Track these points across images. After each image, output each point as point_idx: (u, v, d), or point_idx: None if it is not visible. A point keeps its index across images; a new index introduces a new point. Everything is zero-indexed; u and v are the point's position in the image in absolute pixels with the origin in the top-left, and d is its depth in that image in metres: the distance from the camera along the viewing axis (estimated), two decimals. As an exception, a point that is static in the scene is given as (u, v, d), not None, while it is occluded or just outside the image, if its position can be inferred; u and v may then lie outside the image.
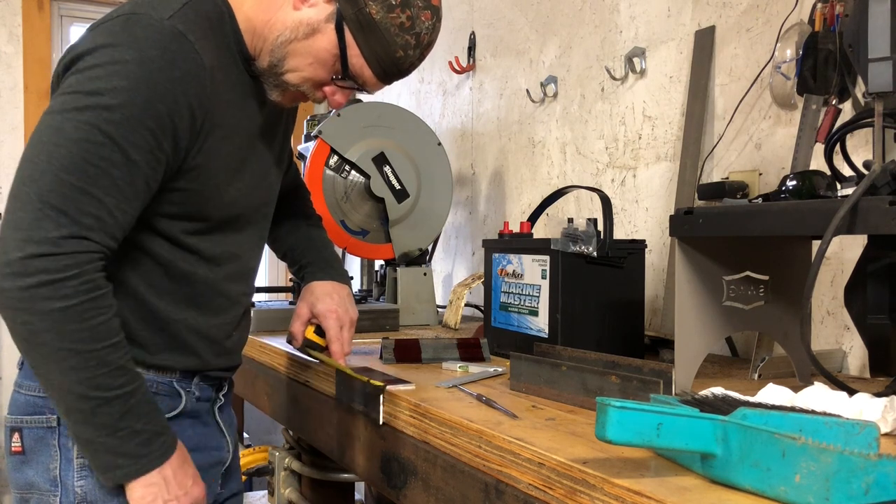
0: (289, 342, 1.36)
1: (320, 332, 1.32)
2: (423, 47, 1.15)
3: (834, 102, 1.26)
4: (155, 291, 1.10)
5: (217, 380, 1.23)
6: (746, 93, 1.61)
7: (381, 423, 1.12)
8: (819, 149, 1.27)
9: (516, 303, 1.44)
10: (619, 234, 1.93)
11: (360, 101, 2.21)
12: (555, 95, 2.24)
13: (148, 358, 1.12)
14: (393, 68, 1.15)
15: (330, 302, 1.33)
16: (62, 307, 0.93)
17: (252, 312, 1.49)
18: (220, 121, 1.07)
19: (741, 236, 1.05)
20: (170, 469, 1.03)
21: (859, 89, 1.23)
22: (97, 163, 0.95)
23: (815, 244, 0.94)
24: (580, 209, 2.11)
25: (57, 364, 0.95)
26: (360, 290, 2.43)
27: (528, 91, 2.35)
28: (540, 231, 1.61)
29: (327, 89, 1.17)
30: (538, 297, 1.37)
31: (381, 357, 1.46)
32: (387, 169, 2.08)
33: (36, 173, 0.94)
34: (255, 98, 1.15)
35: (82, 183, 0.94)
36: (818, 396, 0.91)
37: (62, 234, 0.93)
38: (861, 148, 1.35)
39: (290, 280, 2.02)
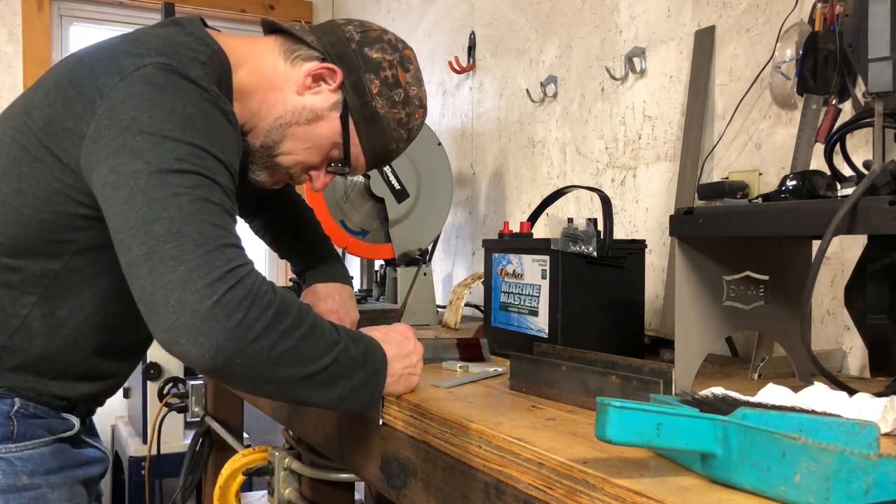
0: None
1: None
2: (409, 141, 1.20)
3: (834, 102, 1.26)
4: (106, 318, 1.08)
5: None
6: (746, 93, 1.61)
7: (381, 423, 1.12)
8: (819, 149, 1.27)
9: (516, 303, 1.44)
10: (619, 234, 1.93)
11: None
12: (555, 95, 2.24)
13: (52, 387, 1.08)
14: (382, 158, 1.19)
15: (332, 303, 1.34)
16: (273, 315, 0.88)
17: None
18: None
19: (741, 236, 1.05)
20: (391, 348, 1.06)
21: (859, 89, 1.23)
22: (209, 198, 0.90)
23: (815, 244, 0.94)
24: (580, 209, 2.11)
25: (302, 362, 0.91)
26: (360, 290, 2.43)
27: (527, 91, 2.35)
28: (540, 231, 1.60)
29: (313, 173, 1.17)
30: (538, 297, 1.37)
31: (381, 357, 1.45)
32: (386, 169, 2.07)
33: (171, 227, 0.86)
34: None
35: (211, 218, 0.89)
36: (818, 396, 0.90)
37: (237, 264, 0.88)
38: (861, 148, 1.35)
39: (290, 280, 2.02)
